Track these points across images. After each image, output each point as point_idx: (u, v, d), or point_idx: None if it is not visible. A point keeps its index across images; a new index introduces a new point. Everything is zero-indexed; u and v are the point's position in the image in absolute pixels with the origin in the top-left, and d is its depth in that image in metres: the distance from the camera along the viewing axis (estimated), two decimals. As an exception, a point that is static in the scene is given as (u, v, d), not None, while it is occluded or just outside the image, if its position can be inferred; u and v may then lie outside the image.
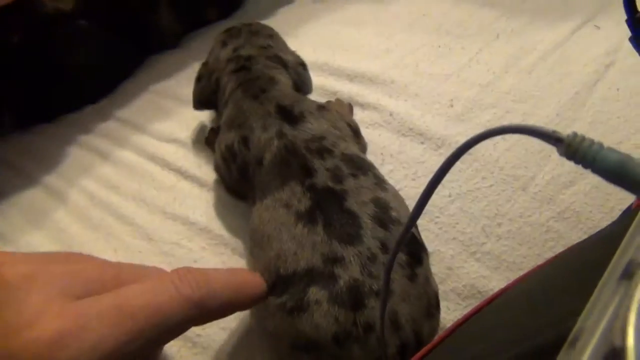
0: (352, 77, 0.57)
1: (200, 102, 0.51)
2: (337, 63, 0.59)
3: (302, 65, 0.51)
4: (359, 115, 0.53)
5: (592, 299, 0.16)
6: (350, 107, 0.54)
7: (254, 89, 0.44)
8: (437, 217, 0.45)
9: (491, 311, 0.28)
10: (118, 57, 0.66)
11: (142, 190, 0.51)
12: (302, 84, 0.49)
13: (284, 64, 0.48)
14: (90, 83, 0.64)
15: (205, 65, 0.52)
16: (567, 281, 0.25)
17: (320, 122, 0.41)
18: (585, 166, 0.14)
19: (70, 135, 0.59)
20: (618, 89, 0.51)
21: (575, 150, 0.14)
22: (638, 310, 0.12)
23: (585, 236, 0.42)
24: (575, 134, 0.14)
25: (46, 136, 0.60)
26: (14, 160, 0.58)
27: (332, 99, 0.55)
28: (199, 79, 0.51)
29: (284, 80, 0.46)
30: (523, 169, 0.46)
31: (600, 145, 0.14)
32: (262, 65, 0.47)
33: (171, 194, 0.50)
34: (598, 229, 0.42)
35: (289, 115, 0.41)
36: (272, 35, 0.52)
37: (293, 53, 0.52)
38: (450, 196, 0.46)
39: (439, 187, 0.48)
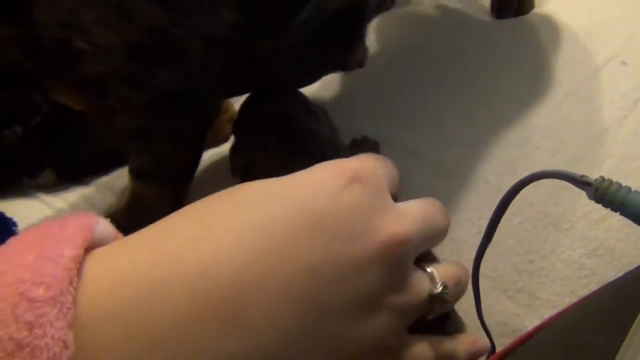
0: (379, 118, 0.58)
1: (239, 170, 0.51)
2: (362, 104, 0.60)
3: (325, 112, 0.52)
4: (385, 154, 0.53)
5: (626, 341, 0.17)
6: (376, 145, 0.54)
7: (294, 144, 0.45)
8: (467, 254, 0.45)
9: (525, 351, 0.28)
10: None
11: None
12: (333, 128, 0.51)
13: (317, 116, 0.50)
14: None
15: (239, 131, 0.51)
16: (601, 321, 0.25)
17: None
18: (614, 209, 0.14)
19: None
20: (648, 124, 0.51)
21: (604, 194, 0.14)
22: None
23: (619, 273, 0.42)
24: (602, 178, 0.15)
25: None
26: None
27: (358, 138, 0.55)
28: (236, 149, 0.51)
29: (321, 130, 0.47)
30: (553, 206, 0.46)
31: (628, 189, 0.14)
32: (302, 119, 0.48)
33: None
34: (633, 266, 0.41)
35: None
36: (298, 92, 0.53)
37: (316, 104, 0.53)
38: (479, 233, 0.46)
39: (468, 223, 0.48)
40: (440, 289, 0.26)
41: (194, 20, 0.40)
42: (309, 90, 0.65)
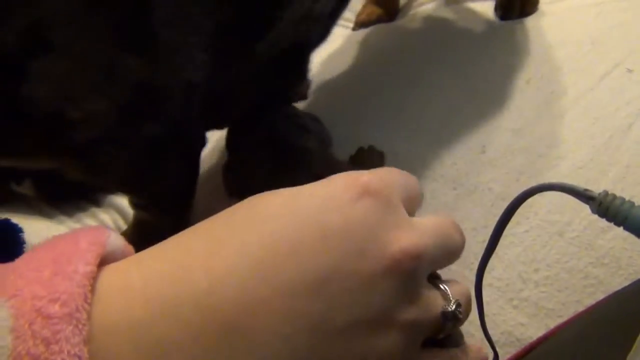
0: (383, 126, 0.58)
1: (235, 190, 0.51)
2: (366, 113, 0.60)
3: (317, 120, 0.52)
4: (389, 163, 0.54)
5: (632, 351, 0.17)
6: (382, 156, 0.54)
7: (288, 163, 0.46)
8: (472, 263, 0.45)
9: (530, 362, 0.28)
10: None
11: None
12: (324, 139, 0.51)
13: (308, 130, 0.50)
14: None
15: (233, 150, 0.52)
16: (607, 330, 0.25)
17: None
18: (617, 223, 0.14)
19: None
20: (653, 132, 0.51)
21: (607, 208, 0.14)
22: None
23: (626, 282, 0.42)
24: (606, 192, 0.15)
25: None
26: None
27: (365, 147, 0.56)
28: (229, 168, 0.51)
29: (313, 147, 0.48)
30: (559, 214, 0.46)
31: (632, 203, 0.14)
32: (294, 137, 0.48)
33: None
34: (639, 275, 0.41)
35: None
36: (289, 105, 0.54)
37: (304, 113, 0.53)
38: (484, 241, 0.45)
39: (472, 232, 0.48)
40: (453, 306, 0.25)
41: (172, 65, 0.39)
42: (312, 99, 0.65)
